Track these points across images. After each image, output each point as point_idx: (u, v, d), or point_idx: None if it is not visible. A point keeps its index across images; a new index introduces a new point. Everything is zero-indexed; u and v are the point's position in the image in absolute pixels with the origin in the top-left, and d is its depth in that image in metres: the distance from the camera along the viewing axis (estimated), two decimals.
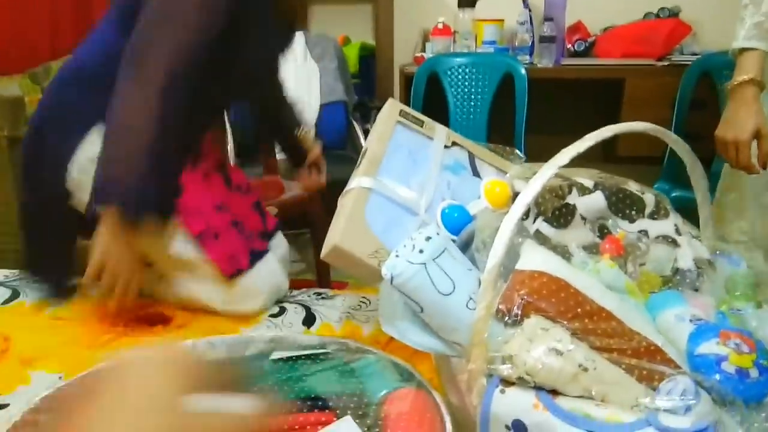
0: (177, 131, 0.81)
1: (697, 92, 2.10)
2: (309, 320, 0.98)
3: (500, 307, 0.59)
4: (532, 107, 2.26)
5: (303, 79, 2.47)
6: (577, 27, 2.67)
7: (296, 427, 0.62)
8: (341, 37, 2.76)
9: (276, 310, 1.02)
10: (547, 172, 0.59)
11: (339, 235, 0.71)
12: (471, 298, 0.61)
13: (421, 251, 0.61)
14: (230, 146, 2.10)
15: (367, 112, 2.54)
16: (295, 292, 1.09)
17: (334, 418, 0.64)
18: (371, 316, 0.98)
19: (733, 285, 0.72)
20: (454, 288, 0.61)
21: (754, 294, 0.70)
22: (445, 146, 0.84)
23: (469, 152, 0.86)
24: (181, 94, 0.79)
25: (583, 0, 2.65)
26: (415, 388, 0.67)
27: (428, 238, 0.62)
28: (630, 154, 2.21)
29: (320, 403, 0.64)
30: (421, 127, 0.84)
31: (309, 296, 1.06)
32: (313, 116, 2.45)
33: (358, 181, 0.77)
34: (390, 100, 0.85)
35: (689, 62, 2.19)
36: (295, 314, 1.00)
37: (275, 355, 0.76)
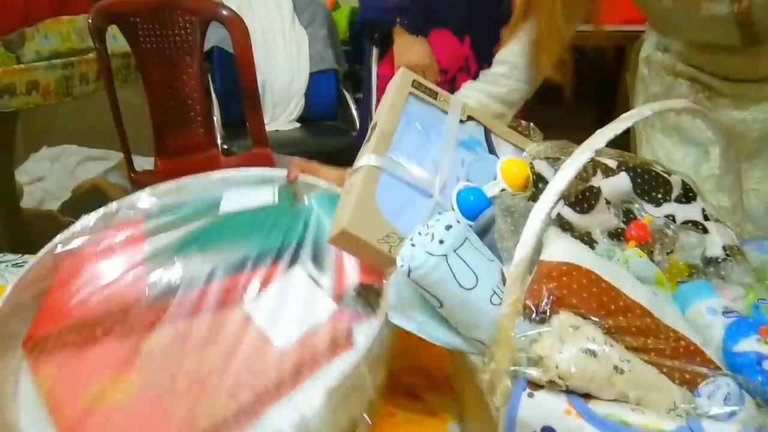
0: None
1: None
2: None
3: (526, 302, 0.55)
4: None
5: (291, 46, 2.37)
6: None
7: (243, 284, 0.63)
8: (330, 1, 2.64)
9: None
10: (582, 157, 0.54)
11: (347, 218, 0.66)
12: (495, 293, 0.56)
13: (441, 241, 0.56)
14: (217, 118, 2.02)
15: (358, 81, 2.45)
16: None
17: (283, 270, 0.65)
18: None
19: (763, 274, 0.68)
20: (477, 282, 0.56)
21: None
22: (461, 121, 0.78)
23: (485, 127, 0.80)
24: None
25: None
26: None
27: (448, 227, 0.57)
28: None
29: (269, 257, 0.65)
30: (435, 99, 0.78)
31: None
32: (302, 85, 2.36)
33: (367, 158, 0.71)
34: (402, 69, 0.79)
35: None
36: None
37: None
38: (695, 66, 0.98)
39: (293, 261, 0.66)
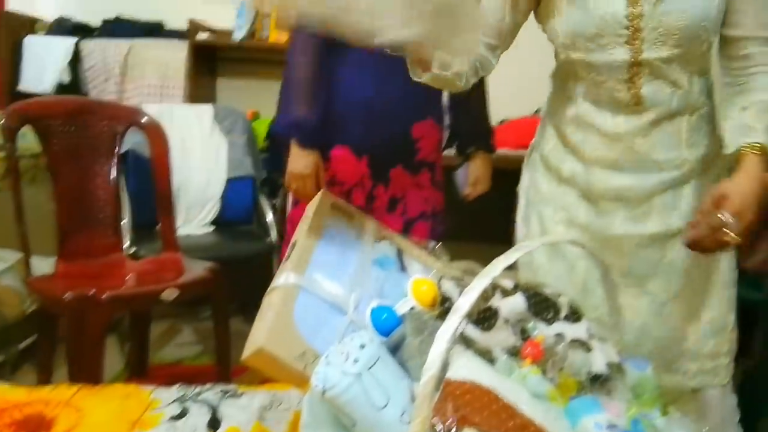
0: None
1: None
2: (214, 423, 0.90)
3: (433, 421, 0.58)
4: None
5: (210, 151, 2.42)
6: None
7: None
8: (251, 112, 2.75)
9: (177, 411, 0.93)
10: (482, 282, 0.60)
11: (264, 336, 0.68)
12: (405, 411, 0.59)
13: (355, 360, 0.59)
14: (127, 220, 1.98)
15: (275, 188, 2.51)
16: (198, 389, 1.00)
17: None
18: (283, 417, 0.93)
19: (640, 389, 0.76)
20: (388, 400, 0.59)
21: (660, 399, 0.74)
22: (375, 240, 0.84)
23: (397, 247, 0.87)
24: None
25: None
26: None
27: (362, 346, 0.61)
28: None
29: None
30: (352, 220, 0.84)
31: (215, 394, 0.98)
32: (218, 190, 2.39)
33: (286, 276, 0.74)
34: (322, 192, 0.85)
35: None
36: (199, 416, 0.92)
37: None
38: (583, 150, 1.04)
39: None
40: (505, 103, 2.87)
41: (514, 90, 2.90)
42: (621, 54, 0.96)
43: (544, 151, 1.14)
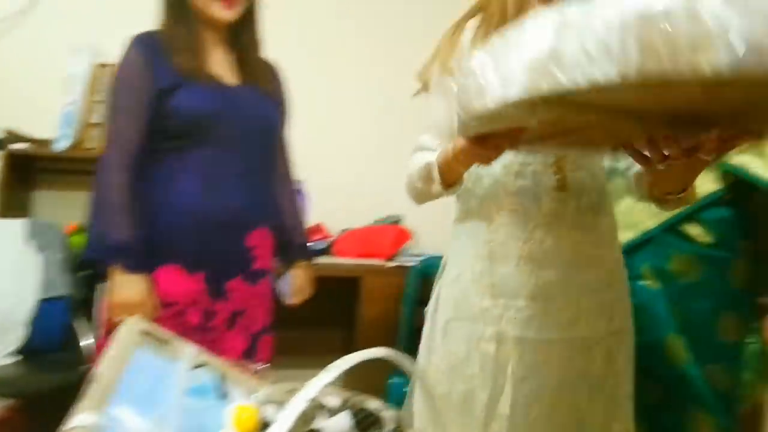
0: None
1: (423, 291, 2.38)
2: None
3: None
4: None
5: (19, 270, 2.16)
6: (318, 228, 2.92)
7: None
8: (73, 225, 2.53)
9: None
10: (297, 406, 0.58)
11: None
12: None
13: None
14: None
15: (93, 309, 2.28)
16: None
17: None
18: None
19: None
20: None
21: None
22: (192, 367, 0.79)
23: (218, 372, 0.82)
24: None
25: (323, 204, 2.93)
26: None
27: None
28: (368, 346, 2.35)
29: None
30: (166, 347, 0.78)
31: None
32: (26, 314, 2.11)
33: (81, 418, 0.65)
34: (131, 318, 0.79)
35: (412, 263, 2.52)
36: None
37: None
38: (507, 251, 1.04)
39: None
40: (346, 212, 2.99)
41: (353, 200, 3.04)
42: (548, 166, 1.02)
43: (465, 264, 1.11)
